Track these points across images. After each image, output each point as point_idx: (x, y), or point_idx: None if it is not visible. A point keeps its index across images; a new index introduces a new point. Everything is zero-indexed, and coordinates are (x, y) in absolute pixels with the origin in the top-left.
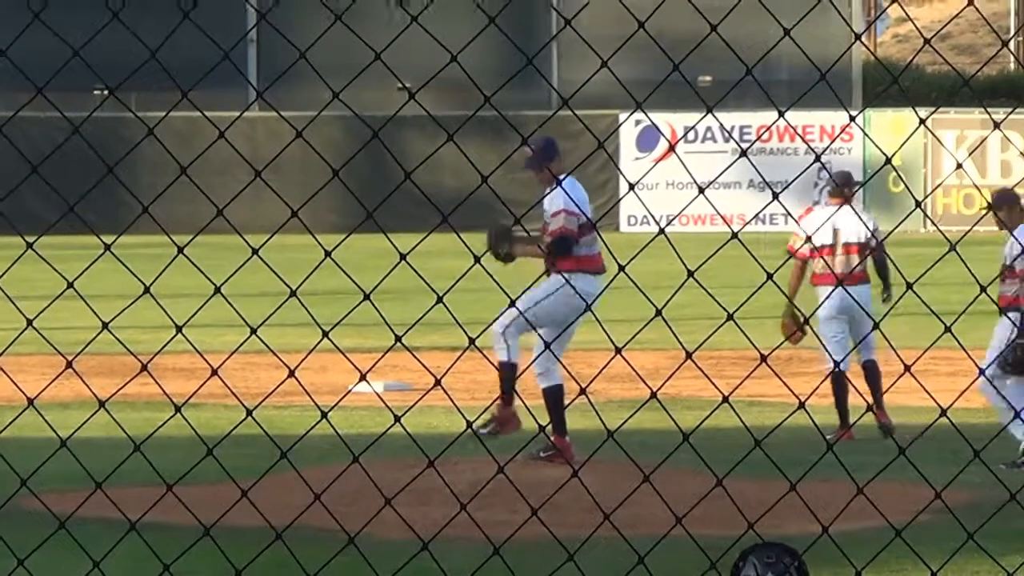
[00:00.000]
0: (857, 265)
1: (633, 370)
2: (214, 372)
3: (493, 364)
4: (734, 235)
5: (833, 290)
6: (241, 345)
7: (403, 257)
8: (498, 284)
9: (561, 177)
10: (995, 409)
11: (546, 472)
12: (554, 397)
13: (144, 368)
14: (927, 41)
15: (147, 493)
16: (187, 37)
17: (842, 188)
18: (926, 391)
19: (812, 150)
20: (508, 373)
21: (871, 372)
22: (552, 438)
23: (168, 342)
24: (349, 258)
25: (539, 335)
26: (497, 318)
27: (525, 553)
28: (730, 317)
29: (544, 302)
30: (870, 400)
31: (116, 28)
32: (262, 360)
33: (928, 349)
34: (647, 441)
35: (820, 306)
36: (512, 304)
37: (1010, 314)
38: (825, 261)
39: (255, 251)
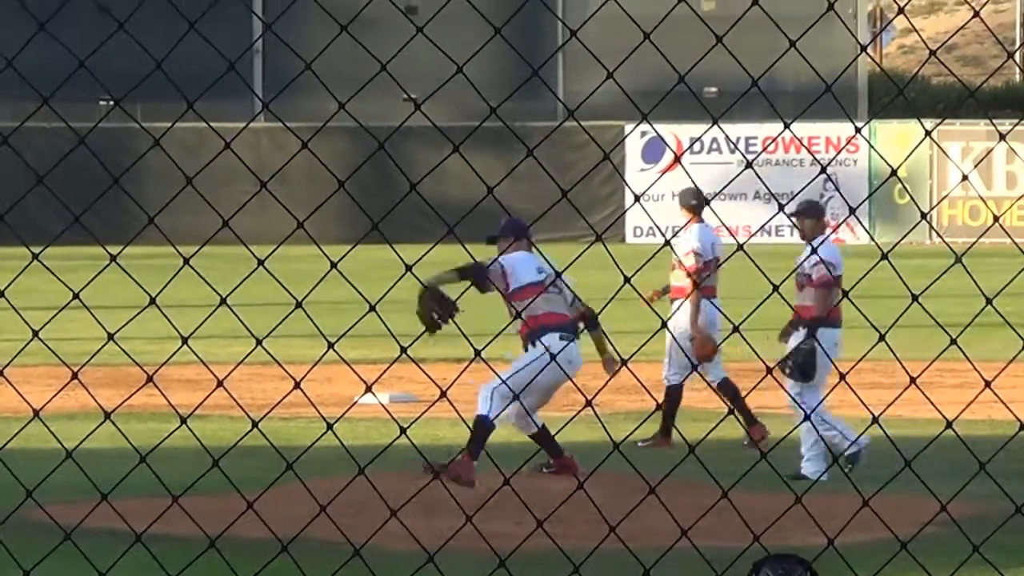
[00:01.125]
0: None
1: (639, 382)
2: (219, 383)
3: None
4: (740, 247)
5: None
6: (247, 356)
7: (409, 268)
8: (505, 297)
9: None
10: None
11: (552, 484)
12: (482, 429)
13: (150, 379)
14: (932, 53)
15: (152, 504)
16: (193, 48)
17: (701, 203)
18: (931, 403)
19: (818, 161)
20: (485, 430)
21: (729, 388)
22: (552, 460)
23: (174, 353)
24: (355, 269)
25: (521, 403)
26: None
27: (530, 565)
28: (736, 329)
29: (523, 372)
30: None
31: (122, 39)
32: (268, 371)
33: (934, 361)
34: (653, 453)
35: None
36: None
37: (821, 329)
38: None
39: (261, 262)
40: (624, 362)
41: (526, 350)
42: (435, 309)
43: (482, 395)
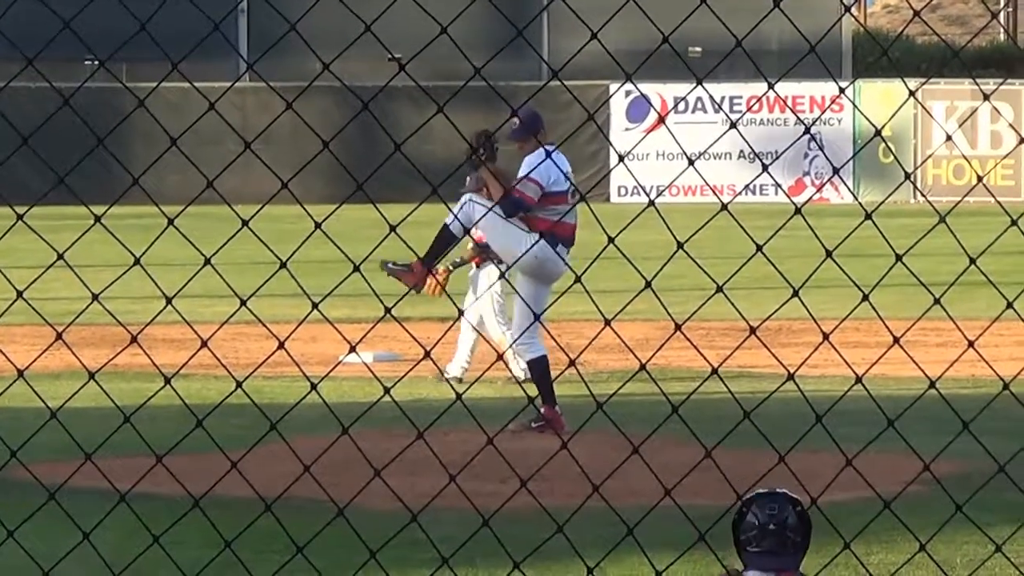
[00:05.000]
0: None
1: (622, 341)
2: (204, 344)
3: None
4: (724, 207)
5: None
6: (231, 316)
7: (393, 228)
8: (492, 258)
9: (548, 147)
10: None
11: (536, 443)
12: (540, 368)
13: (134, 339)
14: (917, 13)
15: (137, 463)
16: (178, 7)
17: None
18: (915, 362)
19: (801, 121)
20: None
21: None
22: (542, 409)
23: (158, 313)
24: (340, 229)
25: (519, 305)
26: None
27: (515, 524)
28: (719, 289)
29: (525, 260)
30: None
31: None
32: (252, 331)
33: (918, 320)
34: (636, 412)
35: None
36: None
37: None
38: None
39: (245, 223)
40: (608, 322)
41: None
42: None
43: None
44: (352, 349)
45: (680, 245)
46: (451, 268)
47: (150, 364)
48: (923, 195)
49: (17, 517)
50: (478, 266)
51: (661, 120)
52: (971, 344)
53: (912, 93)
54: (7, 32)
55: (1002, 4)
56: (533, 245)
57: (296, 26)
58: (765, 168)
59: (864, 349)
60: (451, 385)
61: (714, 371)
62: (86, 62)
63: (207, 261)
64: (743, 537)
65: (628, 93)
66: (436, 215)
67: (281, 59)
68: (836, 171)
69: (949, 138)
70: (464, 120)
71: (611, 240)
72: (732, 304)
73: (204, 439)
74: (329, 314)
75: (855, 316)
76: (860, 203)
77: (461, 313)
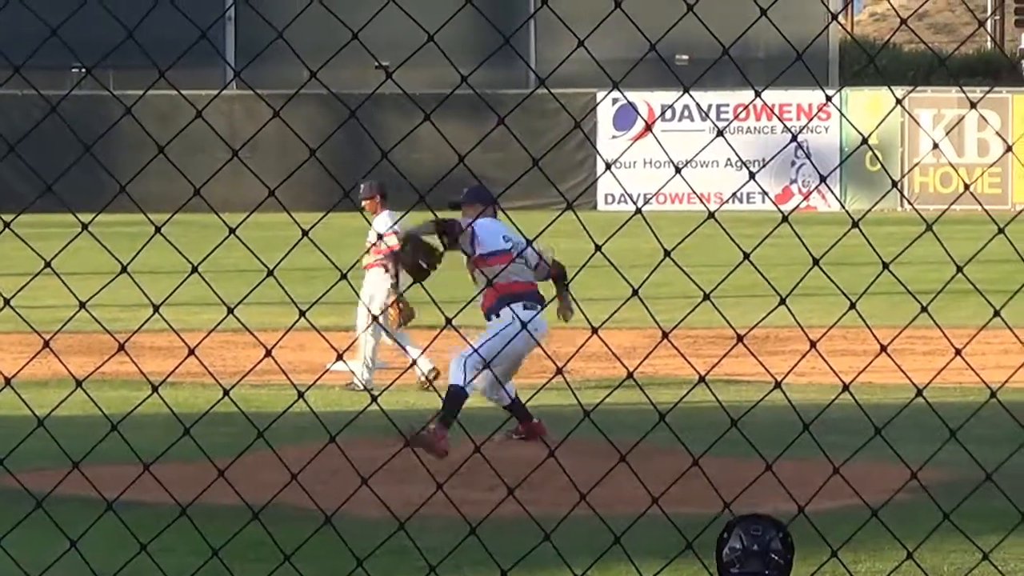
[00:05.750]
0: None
1: (609, 350)
2: (191, 352)
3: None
4: (711, 215)
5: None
6: (219, 324)
7: (380, 237)
8: (391, 271)
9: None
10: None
11: (524, 451)
12: (453, 398)
13: (121, 348)
14: (904, 21)
15: (124, 472)
16: (165, 15)
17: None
18: (902, 371)
19: (788, 130)
20: (456, 401)
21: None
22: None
23: (145, 321)
24: (327, 237)
25: (486, 337)
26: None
27: (502, 532)
28: (707, 297)
29: (494, 341)
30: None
31: (94, 6)
32: (240, 339)
33: (905, 328)
34: (624, 420)
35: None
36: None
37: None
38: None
39: (232, 230)
40: (595, 330)
41: (489, 319)
42: (421, 257)
43: (453, 366)
44: (339, 357)
45: (667, 253)
46: (400, 296)
47: (138, 372)
48: (910, 203)
49: (4, 525)
50: (385, 270)
51: (648, 128)
52: (958, 352)
53: (899, 101)
54: None
55: (989, 12)
56: (503, 327)
57: (283, 34)
58: (752, 176)
59: (851, 357)
60: (438, 393)
61: (701, 379)
62: (73, 70)
63: (194, 269)
64: (726, 560)
65: (615, 101)
66: (423, 222)
67: (269, 67)
68: (823, 179)
69: (936, 146)
70: (452, 128)
71: (598, 248)
72: (719, 312)
73: (191, 447)
74: (316, 322)
75: (842, 324)
76: (847, 211)
77: (449, 321)
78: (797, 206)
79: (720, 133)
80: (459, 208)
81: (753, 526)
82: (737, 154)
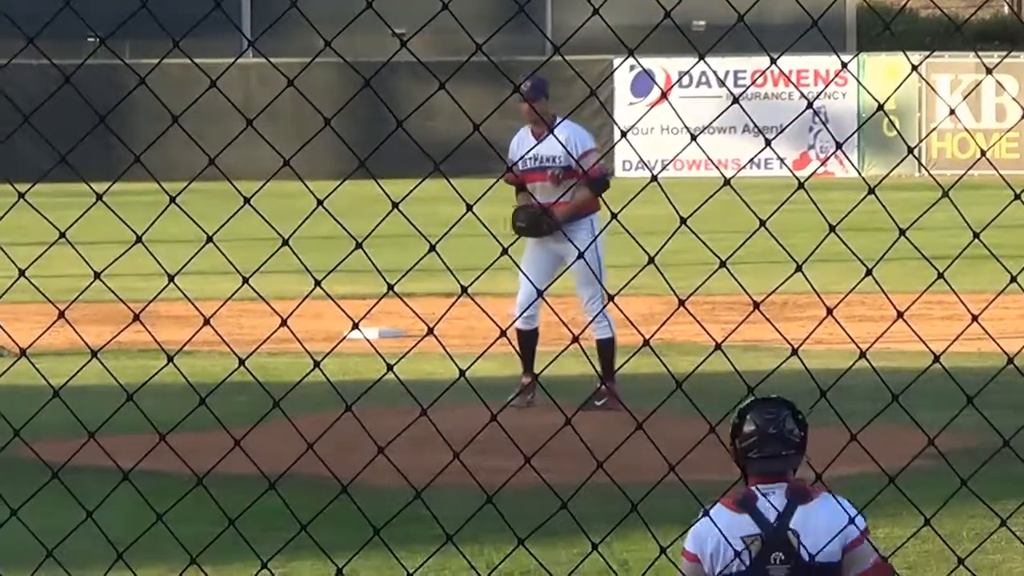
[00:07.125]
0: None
1: (626, 317)
2: (207, 321)
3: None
4: (727, 181)
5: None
6: (234, 293)
7: (395, 205)
8: (490, 232)
9: (558, 119)
10: None
11: (541, 419)
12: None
13: (136, 318)
14: None
15: (141, 441)
16: None
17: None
18: (919, 337)
19: (804, 96)
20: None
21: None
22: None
23: (161, 290)
24: (344, 204)
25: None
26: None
27: (519, 500)
28: (723, 263)
29: (601, 253)
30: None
31: None
32: (256, 307)
33: (922, 294)
34: (641, 387)
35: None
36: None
37: None
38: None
39: (247, 200)
40: (611, 297)
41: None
42: (520, 218)
43: (602, 322)
44: (355, 326)
45: (683, 220)
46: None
47: (154, 341)
48: (926, 169)
49: (21, 496)
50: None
51: (664, 96)
52: (975, 318)
53: (915, 67)
54: (9, 11)
55: None
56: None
57: (298, 2)
58: (768, 143)
59: (869, 323)
60: (454, 362)
61: (718, 346)
62: (88, 39)
63: (209, 239)
64: (743, 444)
65: (632, 67)
66: (439, 191)
67: (285, 35)
68: (839, 145)
69: (952, 112)
70: (468, 96)
71: (614, 216)
72: (736, 279)
73: (208, 417)
74: (333, 291)
75: (860, 290)
76: (863, 177)
77: (465, 290)
78: (814, 172)
79: (736, 100)
80: (528, 99)
81: (767, 409)
82: (753, 121)
